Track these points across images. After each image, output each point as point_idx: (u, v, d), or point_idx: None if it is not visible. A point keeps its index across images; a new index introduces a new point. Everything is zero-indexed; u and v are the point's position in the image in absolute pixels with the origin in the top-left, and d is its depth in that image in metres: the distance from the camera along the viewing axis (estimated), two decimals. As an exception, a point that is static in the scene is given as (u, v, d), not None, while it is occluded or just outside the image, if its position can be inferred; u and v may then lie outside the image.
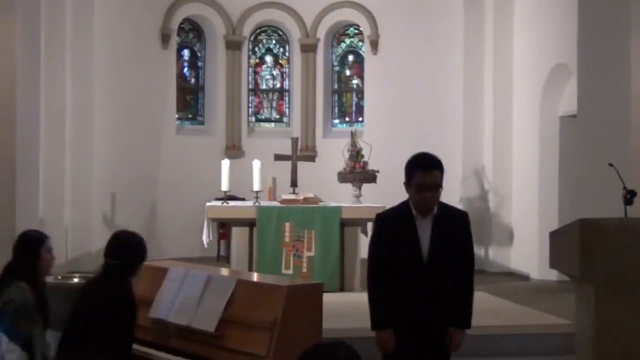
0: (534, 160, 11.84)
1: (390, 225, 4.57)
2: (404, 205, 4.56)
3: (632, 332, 4.83)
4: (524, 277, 11.84)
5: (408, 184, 4.50)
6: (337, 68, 15.47)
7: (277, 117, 15.60)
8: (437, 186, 4.44)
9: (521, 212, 12.25)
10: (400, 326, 4.49)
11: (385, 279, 4.51)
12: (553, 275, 10.13)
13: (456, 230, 4.54)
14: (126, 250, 4.73)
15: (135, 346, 4.84)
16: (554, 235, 5.21)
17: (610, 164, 5.56)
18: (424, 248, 4.46)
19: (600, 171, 6.95)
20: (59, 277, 6.57)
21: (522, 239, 12.20)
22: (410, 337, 4.48)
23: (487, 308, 9.13)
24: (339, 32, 15.39)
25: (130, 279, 4.75)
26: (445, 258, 4.47)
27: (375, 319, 4.52)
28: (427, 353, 4.51)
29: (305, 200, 10.54)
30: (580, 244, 4.79)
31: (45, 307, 5.05)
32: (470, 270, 4.62)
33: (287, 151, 11.37)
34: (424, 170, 4.43)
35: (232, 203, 10.75)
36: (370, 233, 10.25)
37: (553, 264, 5.26)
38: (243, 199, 12.03)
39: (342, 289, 10.16)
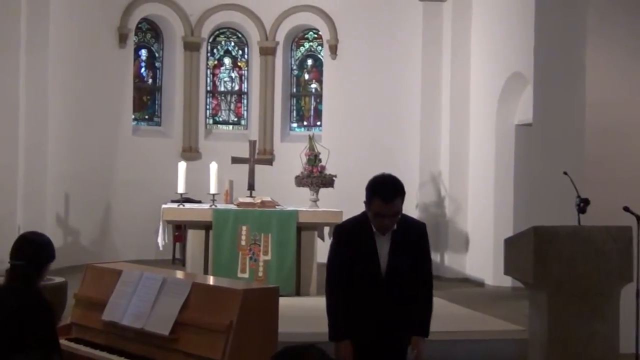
0: (489, 168, 11.96)
1: (349, 237, 4.52)
2: (363, 217, 4.50)
3: (584, 339, 4.90)
4: (479, 283, 11.95)
5: (367, 206, 4.43)
6: (296, 72, 15.47)
7: (235, 119, 15.54)
8: (396, 214, 4.39)
9: (476, 219, 12.36)
10: (358, 338, 4.47)
11: (343, 289, 4.48)
12: (507, 281, 10.24)
13: (414, 242, 4.51)
14: (30, 250, 4.47)
15: (87, 349, 4.78)
16: (509, 243, 5.27)
17: (565, 173, 5.64)
18: (383, 263, 4.43)
19: (555, 179, 7.04)
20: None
21: (477, 245, 12.31)
22: (367, 349, 4.46)
23: (442, 314, 9.16)
24: (298, 36, 15.39)
25: (38, 282, 4.57)
26: (403, 273, 4.44)
27: (333, 331, 4.49)
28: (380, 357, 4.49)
29: (262, 203, 10.51)
30: (534, 251, 4.85)
31: None
32: (427, 279, 4.58)
33: (245, 154, 11.34)
34: (382, 201, 4.33)
35: (188, 205, 10.68)
36: (327, 238, 10.30)
37: (507, 271, 5.32)
38: (199, 202, 11.95)
39: (298, 293, 10.15)
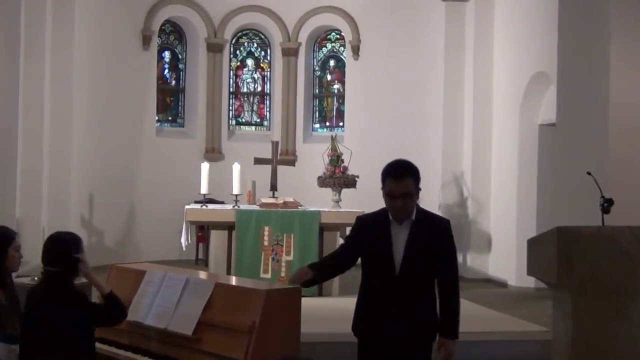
0: (512, 168, 11.90)
1: (367, 227, 4.55)
2: (383, 211, 4.52)
3: (608, 340, 4.86)
4: (502, 284, 11.89)
5: (383, 190, 4.47)
6: (318, 72, 15.49)
7: (258, 120, 15.58)
8: (407, 194, 4.38)
9: (499, 219, 12.30)
10: (370, 327, 4.49)
11: (338, 258, 4.65)
12: (530, 282, 10.19)
13: (434, 237, 4.45)
14: (64, 255, 4.55)
15: (111, 349, 4.81)
16: (532, 243, 5.23)
17: (589, 173, 5.59)
18: (397, 256, 4.40)
19: (579, 179, 6.99)
20: (35, 278, 6.51)
21: (500, 245, 12.25)
22: (385, 345, 4.45)
23: (465, 314, 9.11)
24: (321, 37, 15.41)
25: (72, 281, 4.62)
26: (418, 266, 4.40)
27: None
28: (399, 355, 4.46)
29: (285, 204, 10.52)
30: (557, 251, 4.82)
31: (17, 304, 5.00)
32: (451, 278, 4.52)
33: (267, 155, 11.36)
34: (393, 178, 4.39)
35: (211, 206, 10.71)
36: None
37: (530, 271, 5.29)
38: (222, 202, 12.00)
39: (320, 293, 10.15)
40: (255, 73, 15.57)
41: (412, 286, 4.40)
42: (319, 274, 4.53)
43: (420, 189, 4.47)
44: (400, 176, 4.38)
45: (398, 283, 4.39)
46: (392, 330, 4.40)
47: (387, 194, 4.40)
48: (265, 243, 10.12)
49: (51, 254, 4.56)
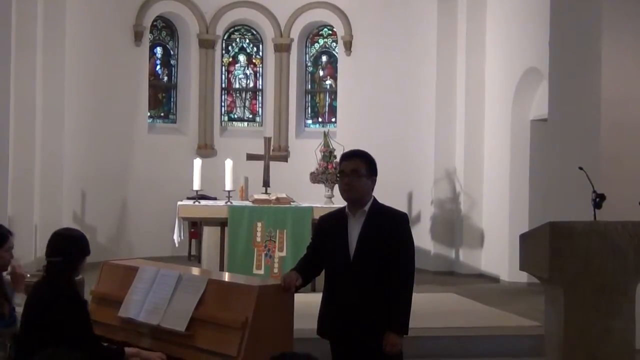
0: (505, 163, 11.92)
1: (326, 224, 4.78)
2: (342, 208, 4.72)
3: (599, 334, 4.88)
4: (494, 279, 11.91)
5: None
6: (310, 68, 15.48)
7: (250, 116, 15.57)
8: (355, 171, 4.57)
9: (492, 215, 12.33)
10: (328, 322, 4.64)
11: (309, 258, 4.84)
12: (523, 277, 10.21)
13: (389, 230, 4.52)
14: (65, 246, 4.61)
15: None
16: (524, 238, 5.25)
17: (581, 168, 5.60)
18: (352, 247, 4.53)
19: (571, 175, 7.01)
20: (28, 275, 6.49)
21: (492, 241, 12.27)
22: (335, 333, 4.60)
23: (457, 310, 9.17)
24: (313, 33, 15.40)
25: (73, 276, 4.66)
26: (372, 257, 4.49)
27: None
28: (355, 351, 4.53)
29: (277, 200, 10.53)
30: (549, 246, 4.84)
31: (8, 300, 4.99)
32: (403, 272, 4.51)
33: (260, 151, 11.36)
34: (345, 159, 4.69)
35: (203, 202, 10.70)
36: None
37: (523, 266, 5.31)
38: (215, 199, 11.98)
39: (313, 289, 10.10)
40: (248, 69, 15.55)
41: (367, 276, 4.48)
42: (305, 279, 4.71)
43: (374, 178, 4.64)
44: (351, 157, 4.66)
45: (352, 272, 4.50)
46: (348, 322, 4.48)
47: (339, 173, 4.68)
48: (258, 239, 10.12)
49: (50, 246, 4.62)
